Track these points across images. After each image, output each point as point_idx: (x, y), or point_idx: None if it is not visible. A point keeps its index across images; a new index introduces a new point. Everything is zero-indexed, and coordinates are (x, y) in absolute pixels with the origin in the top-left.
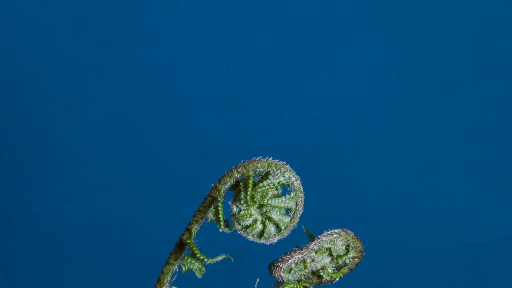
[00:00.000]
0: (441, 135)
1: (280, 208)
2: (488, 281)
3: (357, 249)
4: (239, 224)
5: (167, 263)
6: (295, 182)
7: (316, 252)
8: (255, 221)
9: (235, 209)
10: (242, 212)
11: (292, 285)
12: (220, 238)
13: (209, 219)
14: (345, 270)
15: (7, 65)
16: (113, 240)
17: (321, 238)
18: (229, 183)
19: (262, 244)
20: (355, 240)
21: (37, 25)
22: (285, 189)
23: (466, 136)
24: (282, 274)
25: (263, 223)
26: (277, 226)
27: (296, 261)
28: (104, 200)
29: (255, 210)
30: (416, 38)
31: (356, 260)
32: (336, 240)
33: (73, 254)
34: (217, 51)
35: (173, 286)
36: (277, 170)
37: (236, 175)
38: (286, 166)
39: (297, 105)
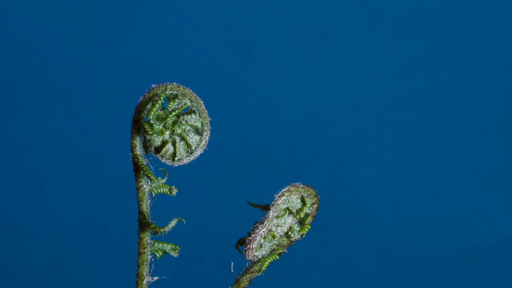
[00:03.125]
0: (441, 135)
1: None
2: (488, 281)
3: (311, 195)
4: (151, 147)
5: (139, 253)
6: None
7: (277, 218)
8: (165, 141)
9: (148, 137)
10: (155, 135)
11: (269, 260)
12: (219, 238)
13: (153, 193)
14: (309, 220)
15: (6, 65)
16: (113, 240)
17: (276, 202)
18: (138, 144)
19: None
20: (305, 188)
21: (37, 25)
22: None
23: (466, 137)
24: (255, 253)
25: (174, 143)
26: (187, 143)
27: (263, 235)
28: (103, 200)
29: (166, 131)
30: (416, 38)
31: (315, 205)
32: (289, 197)
33: (73, 254)
34: (216, 51)
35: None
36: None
37: (136, 139)
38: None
39: (296, 105)
